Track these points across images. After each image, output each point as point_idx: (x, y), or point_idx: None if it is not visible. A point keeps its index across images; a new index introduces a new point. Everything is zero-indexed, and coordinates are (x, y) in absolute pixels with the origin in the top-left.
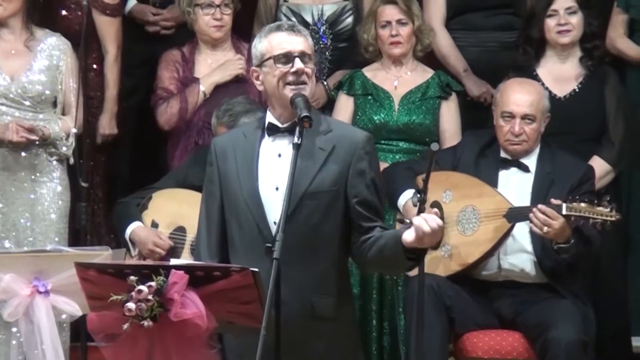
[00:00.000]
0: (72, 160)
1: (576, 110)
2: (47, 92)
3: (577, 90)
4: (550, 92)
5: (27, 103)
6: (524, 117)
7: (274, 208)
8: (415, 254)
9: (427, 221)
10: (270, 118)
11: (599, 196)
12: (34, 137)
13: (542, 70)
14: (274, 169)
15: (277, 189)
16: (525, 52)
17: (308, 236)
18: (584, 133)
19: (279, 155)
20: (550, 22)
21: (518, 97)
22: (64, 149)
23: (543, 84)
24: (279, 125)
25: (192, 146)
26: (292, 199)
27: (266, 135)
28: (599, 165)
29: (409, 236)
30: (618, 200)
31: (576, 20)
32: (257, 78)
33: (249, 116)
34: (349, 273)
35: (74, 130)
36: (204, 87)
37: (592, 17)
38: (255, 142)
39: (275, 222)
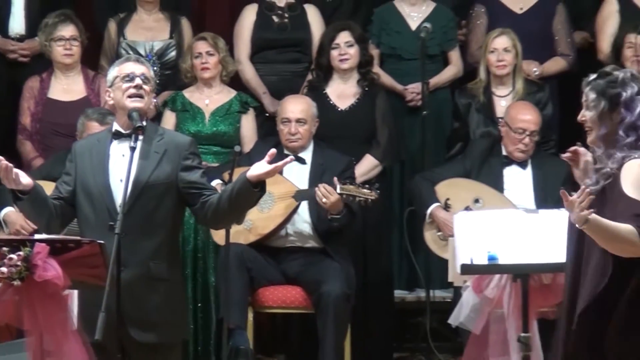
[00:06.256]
0: None
1: (353, 119)
2: None
3: (354, 104)
4: (335, 105)
5: None
6: (298, 120)
7: (120, 195)
8: (260, 186)
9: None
10: (116, 126)
11: (370, 184)
12: None
13: (329, 89)
14: (119, 165)
15: (121, 180)
16: (317, 75)
17: (147, 217)
18: (359, 137)
19: (123, 155)
20: (334, 53)
21: (291, 104)
22: None
23: (330, 100)
24: (123, 131)
25: (45, 148)
26: (135, 189)
27: (113, 140)
28: (370, 161)
29: (254, 171)
30: (386, 187)
31: (353, 51)
32: (109, 96)
33: (112, 117)
34: (179, 244)
35: None
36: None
37: (366, 49)
38: (105, 145)
39: (120, 206)
